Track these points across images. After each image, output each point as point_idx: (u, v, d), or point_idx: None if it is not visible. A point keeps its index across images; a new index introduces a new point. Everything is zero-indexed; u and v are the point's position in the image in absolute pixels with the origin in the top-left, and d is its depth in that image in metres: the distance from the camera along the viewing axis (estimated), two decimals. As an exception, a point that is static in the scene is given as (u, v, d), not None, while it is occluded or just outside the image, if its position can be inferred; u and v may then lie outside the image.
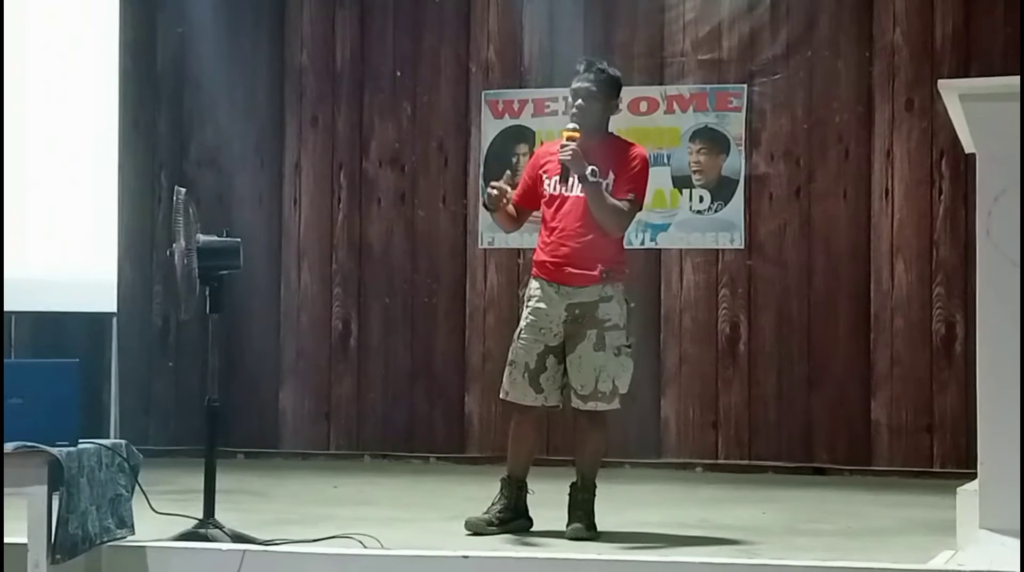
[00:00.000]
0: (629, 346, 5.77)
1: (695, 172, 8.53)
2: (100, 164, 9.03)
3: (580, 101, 5.76)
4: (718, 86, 8.52)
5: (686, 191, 8.53)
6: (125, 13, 9.14)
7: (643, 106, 8.60)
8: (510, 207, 5.85)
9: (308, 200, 9.06)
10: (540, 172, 5.85)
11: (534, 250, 5.91)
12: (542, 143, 5.99)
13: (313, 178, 9.07)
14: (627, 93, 8.54)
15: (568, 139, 5.67)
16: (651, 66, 8.63)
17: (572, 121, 5.75)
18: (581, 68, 5.84)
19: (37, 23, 8.75)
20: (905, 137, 8.27)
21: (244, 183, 9.10)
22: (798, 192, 8.41)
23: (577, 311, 5.71)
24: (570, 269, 5.71)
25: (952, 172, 8.15)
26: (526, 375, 5.75)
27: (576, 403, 5.75)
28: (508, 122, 8.73)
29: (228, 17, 9.16)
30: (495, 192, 5.72)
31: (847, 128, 8.35)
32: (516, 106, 8.76)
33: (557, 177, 5.75)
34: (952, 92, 4.96)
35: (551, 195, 5.79)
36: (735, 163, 8.48)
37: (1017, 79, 4.73)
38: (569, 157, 5.63)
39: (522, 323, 5.80)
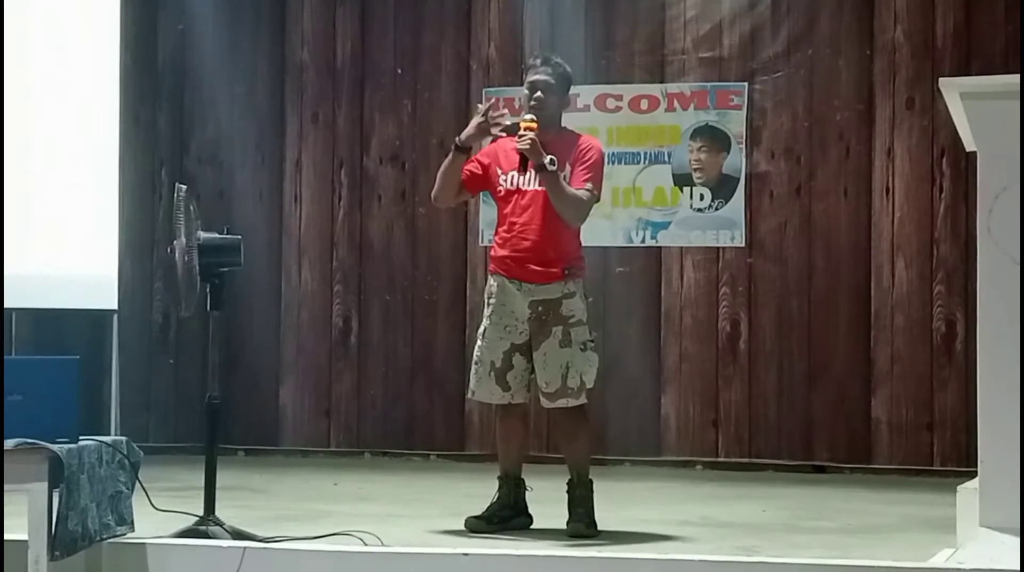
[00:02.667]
0: (592, 341, 5.77)
1: (696, 170, 8.53)
2: (101, 161, 9.03)
3: (539, 93, 5.76)
4: (719, 84, 8.52)
5: (687, 189, 8.53)
6: (126, 10, 9.14)
7: (644, 104, 8.60)
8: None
9: (309, 197, 9.06)
10: (495, 166, 5.81)
11: (491, 247, 5.89)
12: (500, 137, 5.96)
13: (314, 175, 9.07)
14: (628, 91, 8.59)
15: (526, 129, 5.66)
16: (652, 64, 8.63)
17: (529, 112, 5.74)
18: (538, 62, 5.86)
19: (38, 20, 8.75)
20: (906, 135, 8.27)
21: (245, 180, 9.11)
22: (799, 190, 8.41)
23: (540, 308, 5.70)
24: (533, 266, 5.70)
25: (953, 170, 8.15)
26: (492, 373, 5.74)
27: (544, 402, 5.74)
28: (509, 119, 8.71)
29: (229, 14, 9.16)
30: (489, 119, 5.69)
31: (848, 126, 8.35)
32: (517, 103, 8.72)
33: (514, 172, 5.74)
34: (953, 90, 4.96)
35: (507, 190, 5.77)
36: (736, 161, 8.48)
37: (1018, 77, 4.73)
38: (528, 146, 5.62)
39: (485, 322, 5.80)
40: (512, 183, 5.76)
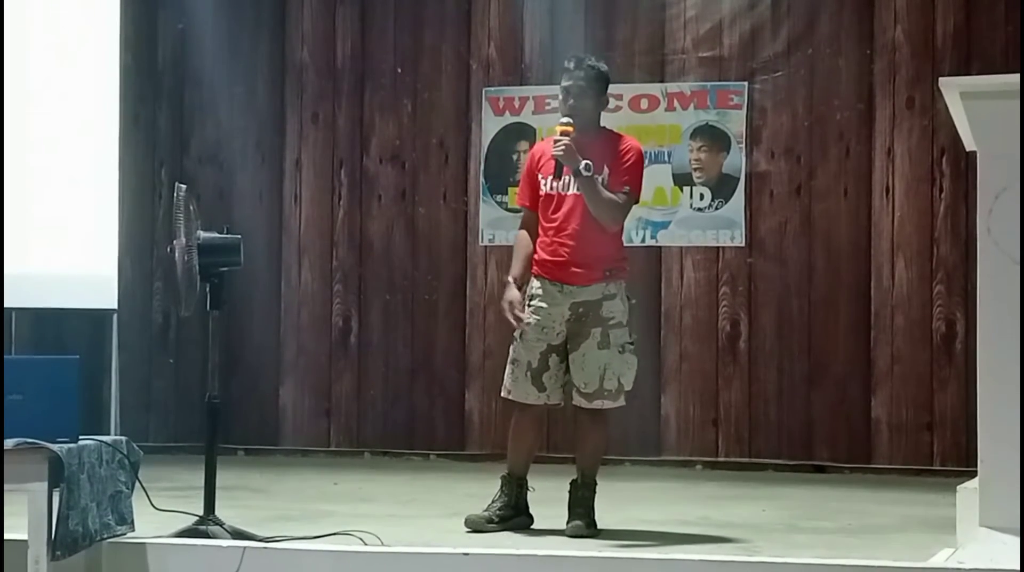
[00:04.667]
0: (632, 343, 5.78)
1: (696, 170, 8.53)
2: (101, 160, 9.03)
3: (572, 99, 5.76)
4: (719, 83, 8.52)
5: (687, 189, 8.53)
6: (126, 9, 9.14)
7: (644, 103, 8.60)
8: (526, 257, 5.84)
9: (309, 197, 9.06)
10: (537, 172, 5.84)
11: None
12: (539, 140, 5.98)
13: (314, 175, 9.07)
14: (628, 90, 8.58)
15: (562, 134, 5.66)
16: (652, 63, 8.63)
17: (565, 115, 5.74)
18: (571, 65, 5.83)
19: (38, 19, 8.75)
20: (906, 135, 8.27)
21: (245, 180, 9.10)
22: (799, 190, 8.41)
23: (581, 310, 5.71)
24: (574, 268, 5.71)
25: (953, 170, 8.15)
26: (528, 374, 5.74)
27: (580, 401, 5.74)
28: (509, 119, 8.73)
29: (229, 13, 9.16)
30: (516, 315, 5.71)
31: (848, 126, 8.35)
32: (517, 103, 8.76)
33: (551, 176, 5.75)
34: (953, 90, 4.96)
35: (547, 194, 5.78)
36: (736, 161, 8.48)
37: (1018, 77, 4.73)
38: (562, 152, 5.62)
39: (525, 322, 5.79)
40: (551, 188, 5.76)
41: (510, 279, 5.81)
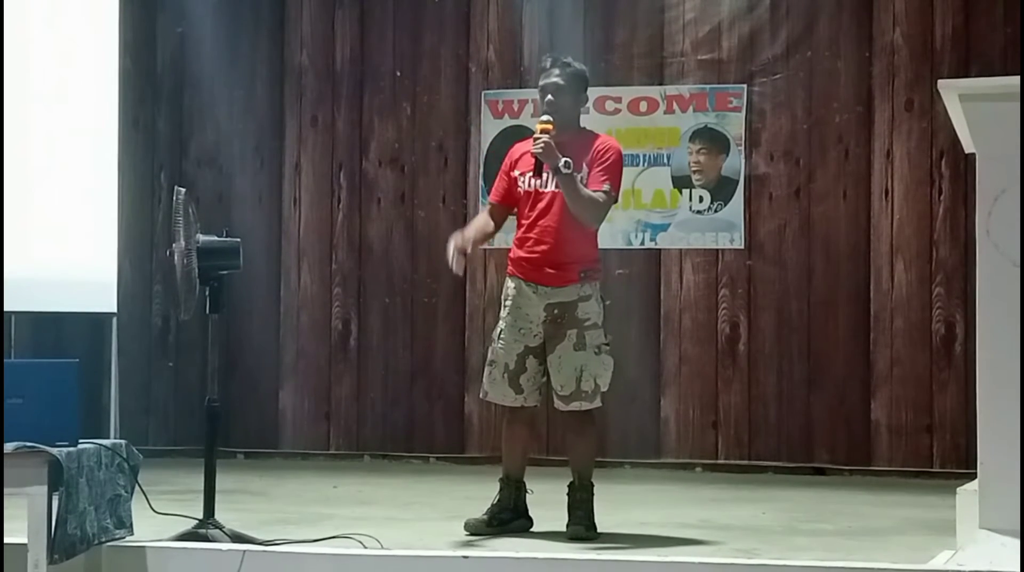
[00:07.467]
0: (608, 344, 5.76)
1: (695, 172, 8.54)
2: (100, 164, 9.03)
3: (550, 96, 5.76)
4: (718, 86, 8.52)
5: (686, 191, 8.54)
6: (125, 13, 9.14)
7: (643, 106, 8.60)
8: (481, 228, 5.82)
9: (308, 200, 9.07)
10: (514, 172, 5.82)
11: (509, 248, 5.87)
12: (516, 142, 5.98)
13: (313, 178, 9.07)
14: (627, 93, 8.59)
15: (541, 131, 5.65)
16: (651, 66, 8.63)
17: (544, 114, 5.73)
18: (548, 64, 5.86)
19: (38, 23, 8.75)
20: (905, 137, 8.27)
21: (244, 183, 9.11)
22: (798, 192, 8.42)
23: (556, 311, 5.69)
24: (549, 269, 5.68)
25: (952, 172, 8.16)
26: (506, 376, 5.74)
27: (558, 404, 5.73)
28: (508, 122, 8.73)
29: (228, 17, 9.16)
30: (456, 260, 5.64)
31: (847, 128, 8.35)
32: (516, 106, 8.76)
33: (531, 173, 5.72)
34: (952, 92, 4.96)
35: (525, 191, 5.75)
36: (735, 163, 8.48)
37: (1017, 79, 4.73)
38: (541, 149, 5.61)
39: (501, 324, 5.78)
40: (529, 185, 5.74)
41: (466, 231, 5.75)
